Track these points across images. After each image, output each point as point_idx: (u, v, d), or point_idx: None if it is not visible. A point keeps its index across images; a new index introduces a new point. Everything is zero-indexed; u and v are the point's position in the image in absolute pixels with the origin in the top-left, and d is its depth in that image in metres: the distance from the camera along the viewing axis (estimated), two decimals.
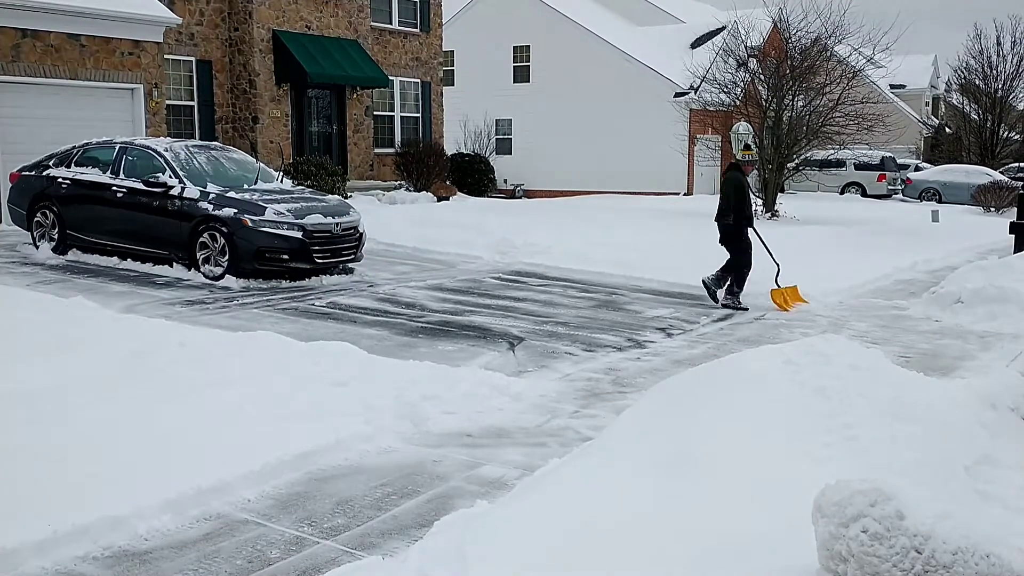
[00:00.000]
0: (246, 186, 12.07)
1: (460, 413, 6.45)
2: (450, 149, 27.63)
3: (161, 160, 12.03)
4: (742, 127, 15.48)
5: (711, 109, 26.04)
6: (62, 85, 15.85)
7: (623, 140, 31.69)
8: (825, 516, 3.07)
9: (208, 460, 5.15)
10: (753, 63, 25.38)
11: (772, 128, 22.93)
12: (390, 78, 23.91)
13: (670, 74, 30.89)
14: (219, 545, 4.42)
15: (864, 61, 24.89)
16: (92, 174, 12.42)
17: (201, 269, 11.48)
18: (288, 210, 11.48)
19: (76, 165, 12.66)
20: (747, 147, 11.60)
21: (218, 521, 4.69)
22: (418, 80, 25.58)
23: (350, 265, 12.35)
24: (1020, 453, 4.34)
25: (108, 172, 12.32)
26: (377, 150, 23.99)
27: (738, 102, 24.08)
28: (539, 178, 33.26)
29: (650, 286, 12.40)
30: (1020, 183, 22.98)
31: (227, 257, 11.28)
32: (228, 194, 11.60)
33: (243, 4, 20.45)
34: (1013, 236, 14.43)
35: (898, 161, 35.45)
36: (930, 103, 51.88)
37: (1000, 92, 38.24)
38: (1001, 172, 32.80)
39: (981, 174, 30.80)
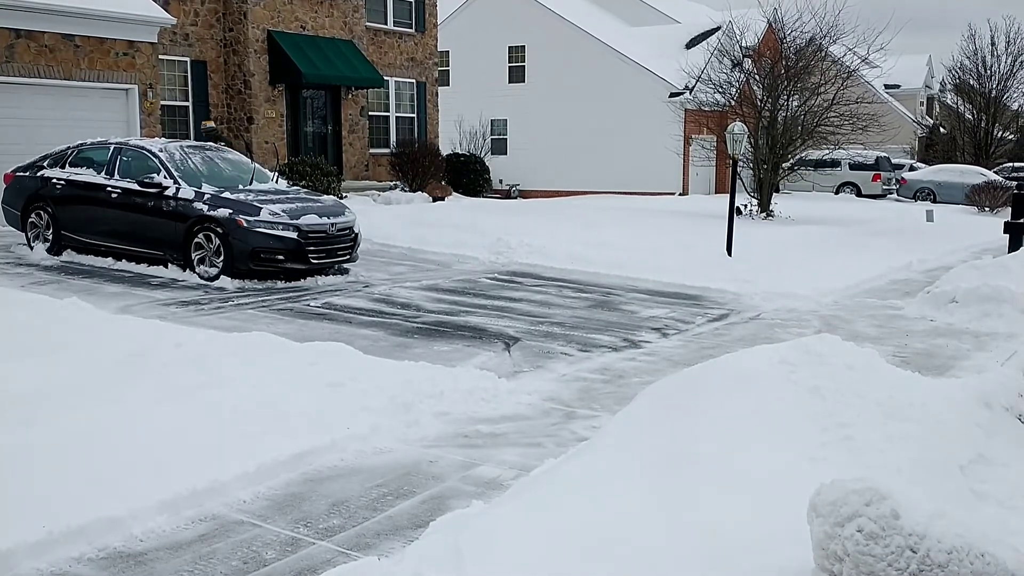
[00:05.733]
0: (241, 187, 12.05)
1: (456, 413, 6.45)
2: (445, 149, 27.61)
3: (156, 161, 12.01)
4: (737, 127, 15.55)
5: (706, 109, 26.05)
6: (56, 86, 15.80)
7: (618, 140, 31.71)
8: (820, 516, 3.07)
9: (203, 461, 5.14)
10: (748, 63, 25.40)
11: (767, 128, 22.95)
12: (385, 78, 23.89)
13: (665, 74, 30.91)
14: (215, 546, 4.42)
15: (859, 61, 24.93)
16: (87, 175, 12.38)
17: (196, 270, 11.47)
18: (283, 210, 11.47)
19: (71, 166, 12.62)
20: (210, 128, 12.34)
21: (213, 522, 4.68)
22: (413, 80, 25.57)
23: (345, 265, 12.34)
24: (1015, 452, 4.35)
25: (103, 173, 12.29)
26: (372, 150, 23.97)
27: (733, 102, 24.10)
28: (534, 178, 33.26)
29: (645, 286, 12.41)
30: (1014, 183, 23.01)
31: (222, 258, 11.27)
32: (223, 195, 11.58)
33: (238, 4, 20.42)
34: (1007, 236, 14.45)
35: (893, 161, 35.49)
36: (925, 103, 51.99)
37: (994, 92, 38.35)
38: (995, 172, 32.86)
39: (975, 174, 30.86)
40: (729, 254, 14.43)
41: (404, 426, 6.11)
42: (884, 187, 33.24)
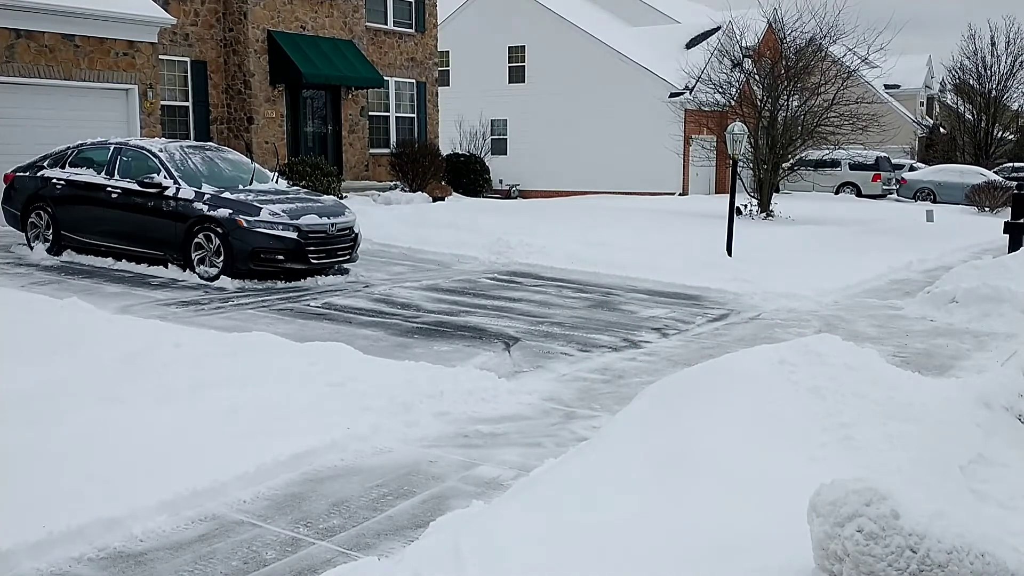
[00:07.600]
0: (241, 187, 12.05)
1: (456, 413, 6.45)
2: (445, 149, 27.60)
3: (156, 161, 12.01)
4: (737, 127, 15.55)
5: (706, 109, 26.05)
6: (56, 86, 15.80)
7: (618, 140, 31.72)
8: (820, 516, 3.07)
9: (203, 461, 5.15)
10: (748, 63, 25.40)
11: (767, 128, 22.95)
12: (385, 78, 23.89)
13: (665, 74, 30.92)
14: (215, 546, 4.42)
15: (859, 61, 24.93)
16: (87, 175, 12.38)
17: (196, 270, 11.47)
18: (283, 211, 11.47)
19: (70, 166, 12.62)
20: None
21: (213, 522, 4.68)
22: (413, 80, 25.57)
23: (345, 266, 12.34)
24: (1015, 452, 4.36)
25: (103, 173, 12.29)
26: (372, 150, 23.97)
27: (733, 102, 24.10)
28: (534, 178, 33.27)
29: (645, 286, 12.41)
30: (1014, 183, 23.02)
31: (222, 258, 11.27)
32: (223, 195, 11.58)
33: (238, 4, 20.41)
34: (1007, 236, 14.46)
35: (893, 161, 35.50)
36: (924, 103, 52.00)
37: (994, 92, 38.36)
38: (995, 172, 32.86)
39: (975, 174, 30.87)
40: (729, 254, 14.43)
41: (404, 426, 6.11)
42: (884, 187, 33.24)
